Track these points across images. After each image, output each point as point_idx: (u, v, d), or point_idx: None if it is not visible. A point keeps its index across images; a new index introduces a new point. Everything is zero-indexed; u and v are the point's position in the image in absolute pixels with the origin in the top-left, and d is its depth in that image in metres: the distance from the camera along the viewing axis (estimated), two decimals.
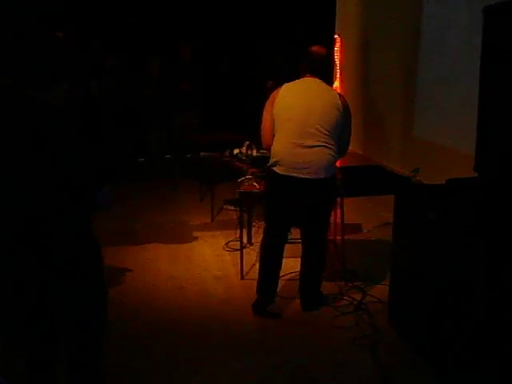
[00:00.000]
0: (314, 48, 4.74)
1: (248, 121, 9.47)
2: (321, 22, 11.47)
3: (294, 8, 11.06)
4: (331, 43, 12.21)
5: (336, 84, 12.53)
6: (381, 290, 5.09)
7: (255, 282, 4.95)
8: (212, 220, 7.44)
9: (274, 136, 4.64)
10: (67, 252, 2.84)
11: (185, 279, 5.64)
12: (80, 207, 2.88)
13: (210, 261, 6.05)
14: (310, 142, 4.49)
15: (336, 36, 12.27)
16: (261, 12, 10.99)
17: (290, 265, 5.53)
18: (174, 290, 5.43)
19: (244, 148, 6.17)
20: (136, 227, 7.23)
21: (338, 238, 6.17)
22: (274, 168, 4.61)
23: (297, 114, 4.54)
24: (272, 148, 4.66)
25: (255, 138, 5.36)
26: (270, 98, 4.71)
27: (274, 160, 4.62)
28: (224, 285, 5.42)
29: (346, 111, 4.66)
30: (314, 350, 4.36)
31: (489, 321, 3.43)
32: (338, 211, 5.80)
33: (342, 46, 12.36)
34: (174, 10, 10.64)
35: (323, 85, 4.68)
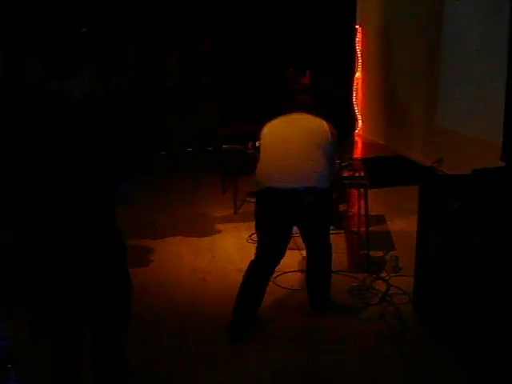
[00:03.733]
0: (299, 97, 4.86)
1: (270, 112, 9.44)
2: (342, 12, 11.40)
3: None
4: (352, 33, 12.15)
5: (358, 74, 12.48)
6: (406, 282, 5.04)
7: (278, 274, 4.94)
8: (235, 212, 7.43)
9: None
10: (92, 243, 2.85)
11: (208, 272, 5.64)
12: (104, 199, 2.89)
13: (233, 253, 6.04)
14: (302, 151, 4.40)
15: (357, 26, 12.21)
16: (282, 2, 10.94)
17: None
18: (197, 282, 5.43)
19: None
20: (159, 220, 7.24)
21: (362, 229, 6.14)
22: (262, 186, 4.46)
23: (285, 136, 4.51)
24: (260, 170, 4.54)
25: None
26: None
27: (262, 180, 4.48)
28: None
29: (333, 137, 4.56)
30: (338, 342, 4.34)
31: None
32: (362, 202, 5.77)
33: (363, 35, 12.30)
34: (194, 1, 10.61)
35: (312, 116, 4.61)
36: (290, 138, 4.47)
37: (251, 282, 4.47)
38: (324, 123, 4.55)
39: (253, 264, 4.50)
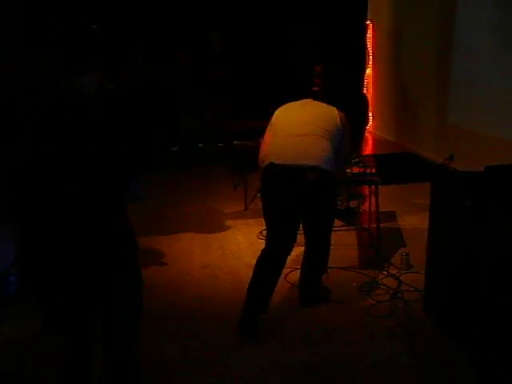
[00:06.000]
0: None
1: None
2: (353, 8, 11.38)
3: None
4: (363, 29, 12.12)
5: (368, 71, 12.45)
6: (417, 279, 5.03)
7: (288, 271, 4.94)
8: (245, 208, 7.41)
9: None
10: (104, 240, 2.85)
11: (218, 268, 5.64)
12: (116, 196, 2.89)
13: (244, 249, 6.04)
14: (308, 132, 4.39)
15: (368, 22, 12.17)
16: None
17: None
18: (208, 278, 5.44)
19: None
20: (170, 216, 7.24)
21: (373, 226, 6.12)
22: (267, 163, 4.41)
23: (294, 118, 4.55)
24: (265, 149, 4.53)
25: None
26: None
27: (266, 158, 4.45)
28: None
29: (344, 127, 4.54)
30: (349, 339, 4.33)
31: None
32: (373, 199, 5.75)
33: (373, 31, 12.25)
34: None
35: (321, 103, 4.66)
36: (298, 120, 4.50)
37: (262, 273, 4.43)
38: (336, 111, 4.56)
39: (263, 253, 4.47)
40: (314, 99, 4.72)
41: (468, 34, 8.32)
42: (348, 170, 5.47)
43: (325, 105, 4.62)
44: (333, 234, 4.88)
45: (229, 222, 6.92)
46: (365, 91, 12.34)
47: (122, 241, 2.95)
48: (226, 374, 3.94)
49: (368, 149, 10.86)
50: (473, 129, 8.07)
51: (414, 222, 6.63)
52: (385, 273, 5.35)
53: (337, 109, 4.59)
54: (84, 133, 2.71)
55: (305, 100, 4.73)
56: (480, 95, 7.91)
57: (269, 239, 4.51)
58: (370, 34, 12.28)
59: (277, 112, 4.68)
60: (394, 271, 5.37)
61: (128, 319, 3.12)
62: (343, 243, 6.07)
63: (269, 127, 4.63)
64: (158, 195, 7.78)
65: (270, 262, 4.46)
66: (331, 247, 4.79)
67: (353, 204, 7.21)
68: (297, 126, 4.46)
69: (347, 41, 11.04)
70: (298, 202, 4.35)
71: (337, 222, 6.65)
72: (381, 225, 5.82)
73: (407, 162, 9.19)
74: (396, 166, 8.30)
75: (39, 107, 2.77)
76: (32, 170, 2.74)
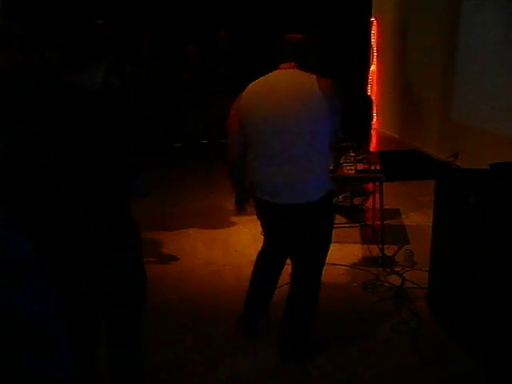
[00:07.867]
0: (288, 35, 3.92)
1: None
2: (357, 5, 11.36)
3: None
4: (368, 26, 12.11)
5: (373, 67, 12.43)
6: (420, 276, 5.03)
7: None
8: (250, 205, 7.38)
9: (247, 149, 3.89)
10: (107, 237, 2.84)
11: (222, 264, 5.64)
12: (118, 193, 2.87)
13: (248, 246, 6.03)
14: (295, 151, 3.64)
15: (373, 19, 12.15)
16: None
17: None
18: (211, 274, 5.44)
19: None
20: (173, 212, 7.25)
21: (377, 223, 6.12)
22: (255, 192, 3.98)
23: (269, 121, 3.67)
24: (249, 167, 3.93)
25: None
26: (236, 100, 3.96)
27: (252, 183, 3.96)
28: None
29: (330, 95, 3.58)
30: (353, 336, 4.33)
31: None
32: (378, 196, 5.75)
33: (378, 28, 12.24)
34: None
35: (296, 75, 3.73)
36: (281, 127, 3.64)
37: (260, 273, 4.38)
38: (315, 84, 3.60)
39: (260, 255, 4.40)
40: (292, 63, 3.78)
41: (473, 31, 8.30)
42: (352, 167, 5.45)
43: (301, 81, 3.68)
44: (337, 230, 4.86)
45: (232, 219, 6.92)
46: (369, 88, 12.34)
47: (123, 239, 2.93)
48: (229, 372, 3.94)
49: (373, 145, 10.86)
50: (478, 126, 8.06)
51: (418, 219, 6.63)
52: (388, 270, 5.35)
53: (317, 77, 3.65)
54: (86, 128, 2.70)
55: (285, 72, 3.79)
56: (485, 92, 7.90)
57: (265, 244, 4.37)
58: (374, 30, 12.28)
59: (247, 98, 3.88)
60: (397, 268, 5.37)
61: (131, 318, 3.11)
62: (347, 240, 6.08)
63: (236, 116, 3.91)
64: (161, 192, 7.78)
65: (267, 263, 4.38)
66: (332, 246, 4.66)
67: (357, 201, 7.21)
68: (283, 138, 3.65)
69: (352, 37, 11.02)
70: (293, 227, 4.00)
71: (340, 219, 6.68)
72: (385, 222, 5.81)
73: (411, 159, 9.16)
74: (400, 163, 8.27)
75: (42, 103, 2.75)
76: (26, 162, 2.72)
